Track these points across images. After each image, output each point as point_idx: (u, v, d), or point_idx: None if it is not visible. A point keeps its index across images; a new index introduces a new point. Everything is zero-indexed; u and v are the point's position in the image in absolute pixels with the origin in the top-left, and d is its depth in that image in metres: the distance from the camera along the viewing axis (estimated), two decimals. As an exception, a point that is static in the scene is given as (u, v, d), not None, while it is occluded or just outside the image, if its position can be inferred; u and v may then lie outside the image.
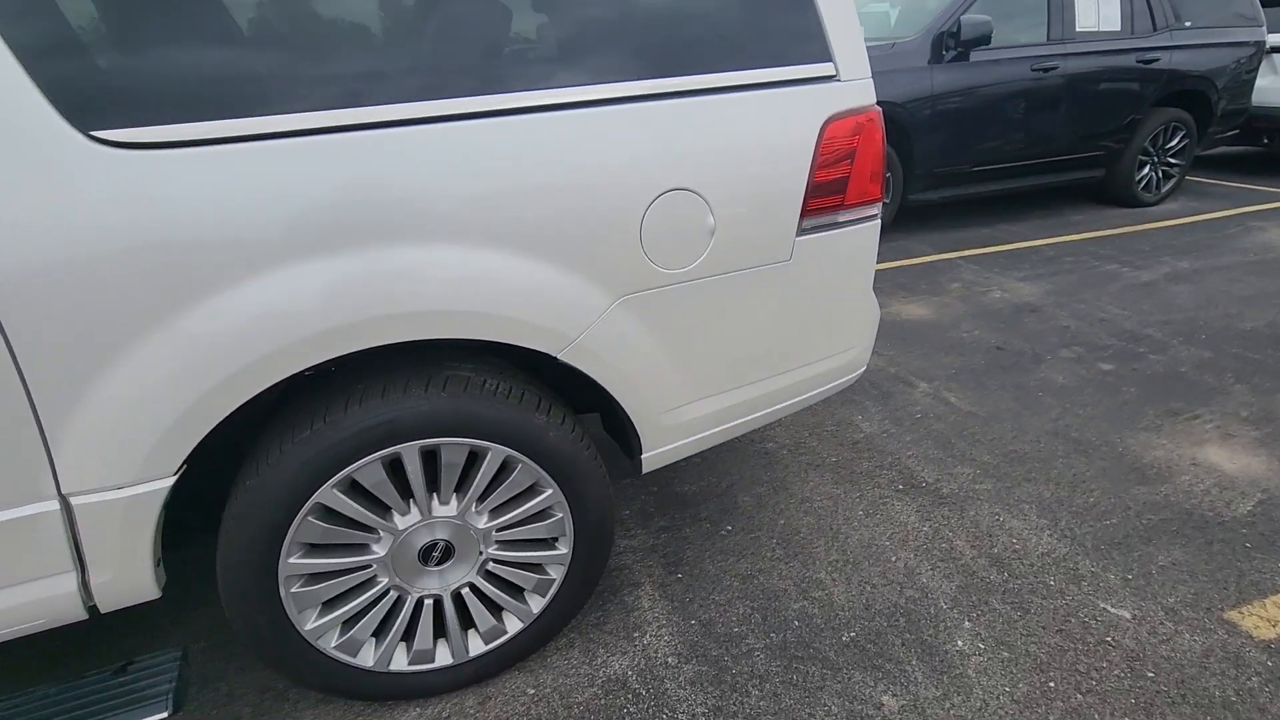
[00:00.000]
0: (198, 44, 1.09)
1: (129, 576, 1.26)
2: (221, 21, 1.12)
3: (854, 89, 1.61)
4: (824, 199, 1.61)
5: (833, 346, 1.83)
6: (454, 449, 1.41)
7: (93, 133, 1.05)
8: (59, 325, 1.05)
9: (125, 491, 1.19)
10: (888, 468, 2.47)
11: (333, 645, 1.50)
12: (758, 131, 1.50)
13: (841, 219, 1.67)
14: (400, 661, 1.59)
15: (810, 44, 1.54)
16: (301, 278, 1.18)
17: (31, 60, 1.01)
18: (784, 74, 1.52)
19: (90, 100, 1.04)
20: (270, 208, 1.13)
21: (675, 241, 1.46)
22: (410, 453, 1.38)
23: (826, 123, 1.57)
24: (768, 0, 1.50)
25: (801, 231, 1.62)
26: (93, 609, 1.27)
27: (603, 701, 1.65)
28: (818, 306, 1.74)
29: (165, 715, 1.30)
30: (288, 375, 1.21)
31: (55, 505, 1.17)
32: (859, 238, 1.72)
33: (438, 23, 1.23)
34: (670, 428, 1.65)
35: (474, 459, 1.45)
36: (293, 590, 1.40)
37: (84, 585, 1.24)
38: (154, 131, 1.08)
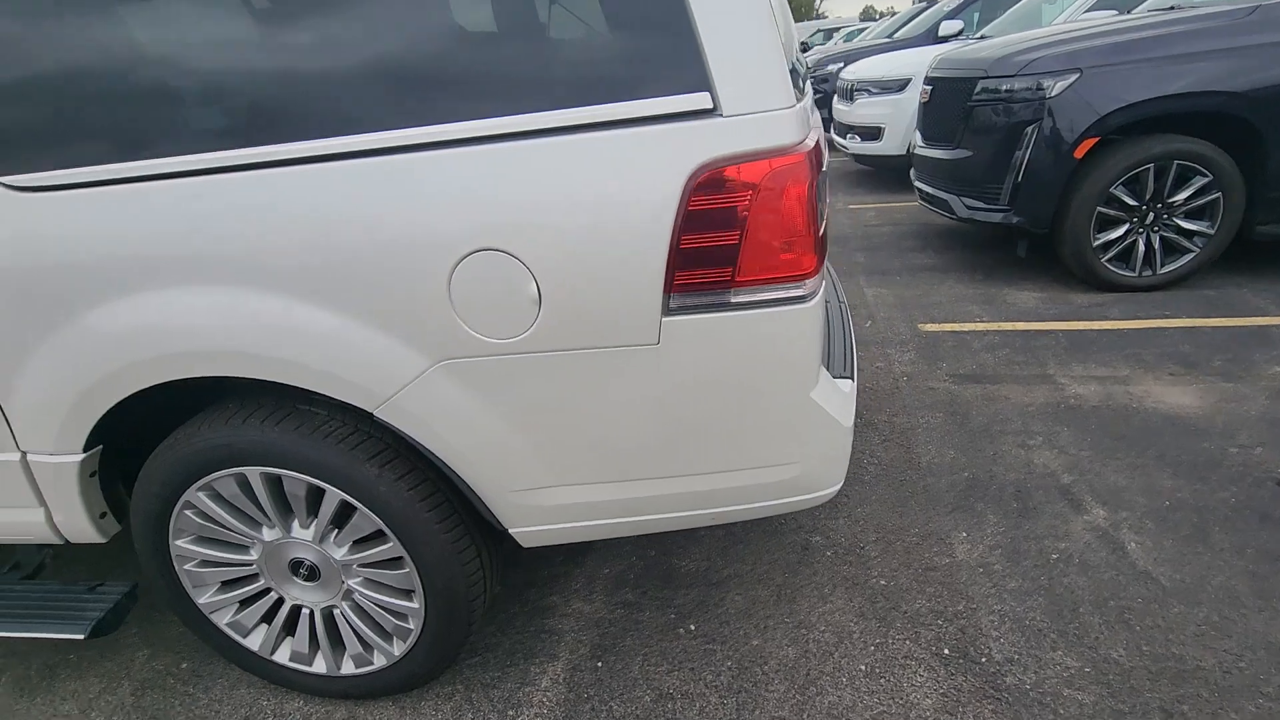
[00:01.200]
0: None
1: (76, 521, 1.59)
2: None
3: (748, 127, 1.15)
4: (699, 272, 1.22)
5: (759, 457, 1.40)
6: (293, 481, 1.47)
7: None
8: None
9: (52, 458, 1.50)
10: (948, 619, 1.82)
11: (224, 622, 1.70)
12: (594, 183, 1.18)
13: (735, 300, 1.25)
14: (283, 655, 1.73)
15: (677, 69, 1.13)
16: (117, 312, 1.33)
17: None
18: (633, 110, 1.16)
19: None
20: (93, 246, 1.29)
21: (493, 308, 1.26)
22: (253, 475, 1.47)
23: (696, 173, 1.16)
24: (612, 16, 1.14)
25: (670, 311, 1.25)
26: (65, 538, 1.63)
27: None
28: (718, 406, 1.34)
29: (80, 637, 1.62)
30: (132, 391, 1.38)
31: (17, 457, 1.53)
32: (774, 325, 1.26)
33: (233, 72, 1.24)
34: (534, 509, 1.46)
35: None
36: (185, 568, 1.63)
37: (50, 519, 1.61)
38: None
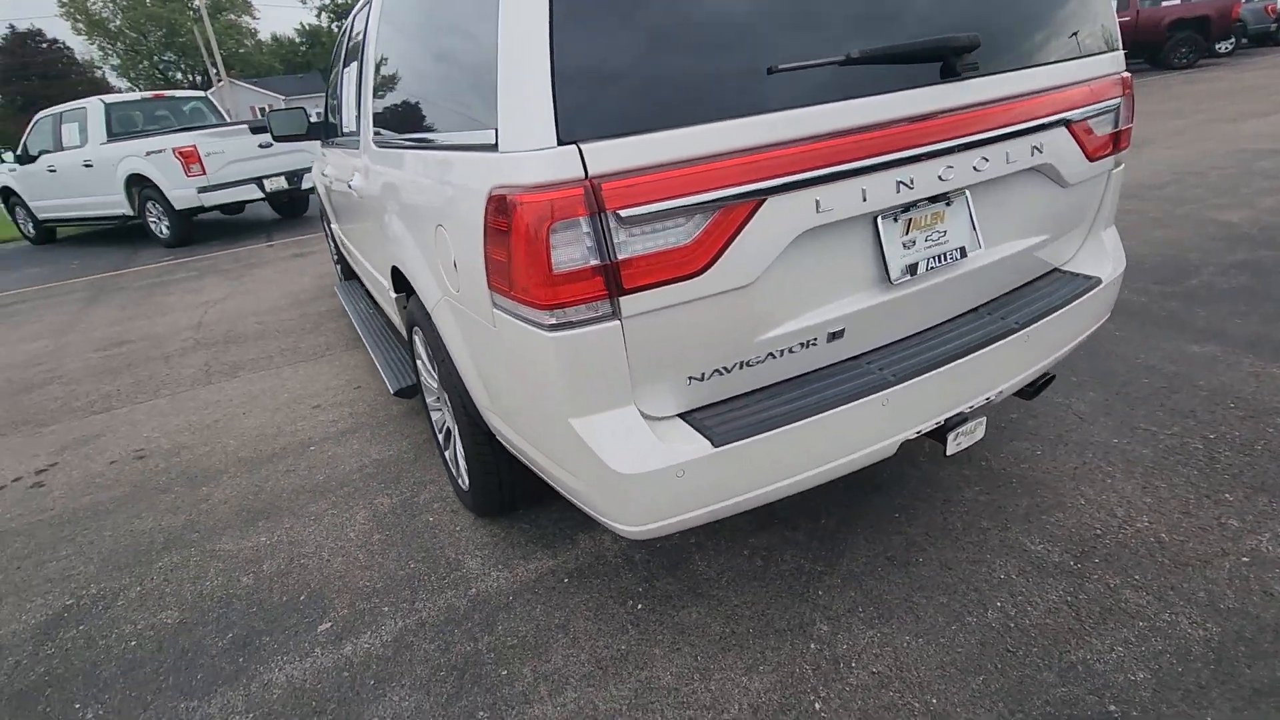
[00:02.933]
0: None
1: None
2: None
3: (515, 163, 1.22)
4: (495, 279, 1.34)
5: (554, 452, 1.47)
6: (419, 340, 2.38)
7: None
8: None
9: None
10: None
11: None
12: (468, 194, 1.41)
13: (511, 311, 1.34)
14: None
15: (487, 110, 1.30)
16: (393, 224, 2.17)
17: None
18: (465, 138, 1.45)
19: None
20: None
21: (445, 269, 1.68)
22: (415, 332, 2.37)
23: (489, 195, 1.28)
24: (465, 70, 1.46)
25: (495, 305, 1.40)
26: None
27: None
28: (526, 392, 1.44)
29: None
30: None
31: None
32: (526, 344, 1.33)
33: None
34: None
35: None
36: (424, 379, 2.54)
37: None
38: None
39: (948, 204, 1.60)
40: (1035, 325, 1.72)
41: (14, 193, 10.12)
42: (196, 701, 1.81)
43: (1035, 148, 1.65)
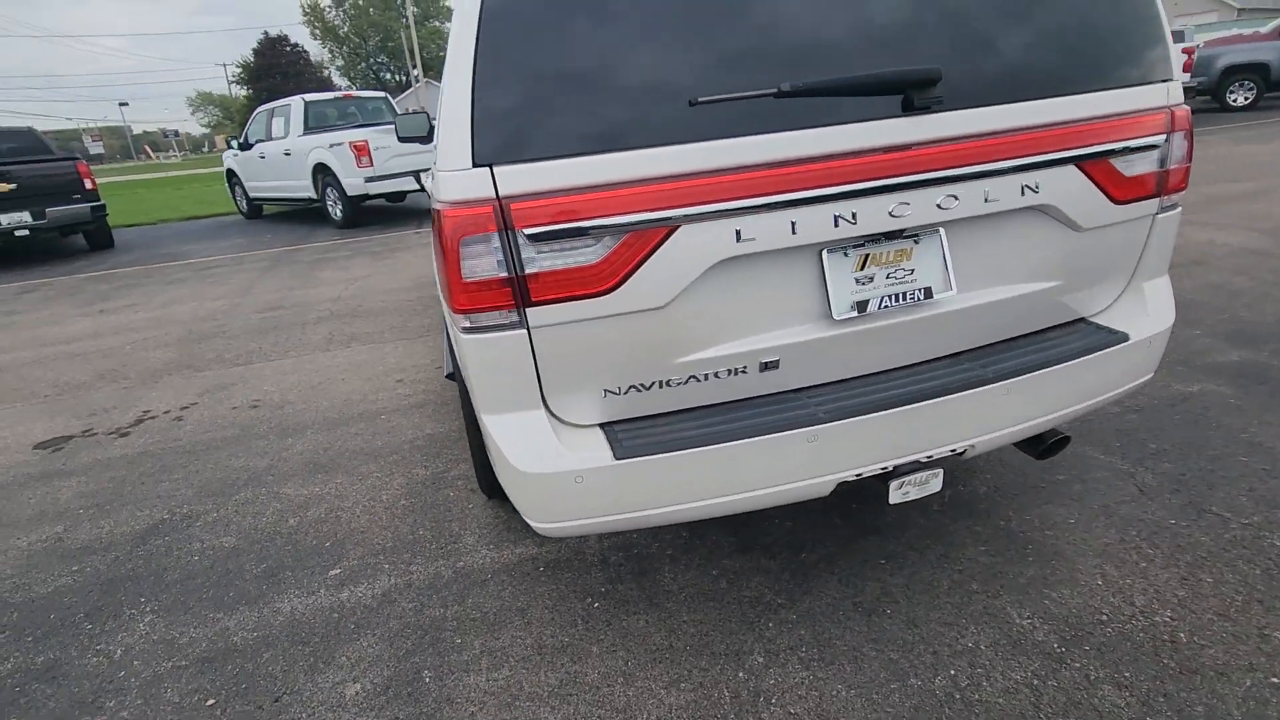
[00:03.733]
0: None
1: None
2: None
3: (443, 181, 1.40)
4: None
5: (489, 449, 1.62)
6: None
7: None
8: None
9: None
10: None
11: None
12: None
13: (449, 312, 1.59)
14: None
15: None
16: None
17: None
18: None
19: None
20: None
21: None
22: None
23: (431, 211, 1.60)
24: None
25: None
26: None
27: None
28: (470, 392, 1.62)
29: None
30: None
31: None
32: (459, 344, 1.51)
33: None
34: None
35: None
36: None
37: None
38: None
39: (915, 241, 1.53)
40: (1020, 379, 1.58)
41: (235, 174, 12.05)
42: (222, 614, 2.15)
43: (1028, 187, 1.53)
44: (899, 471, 1.58)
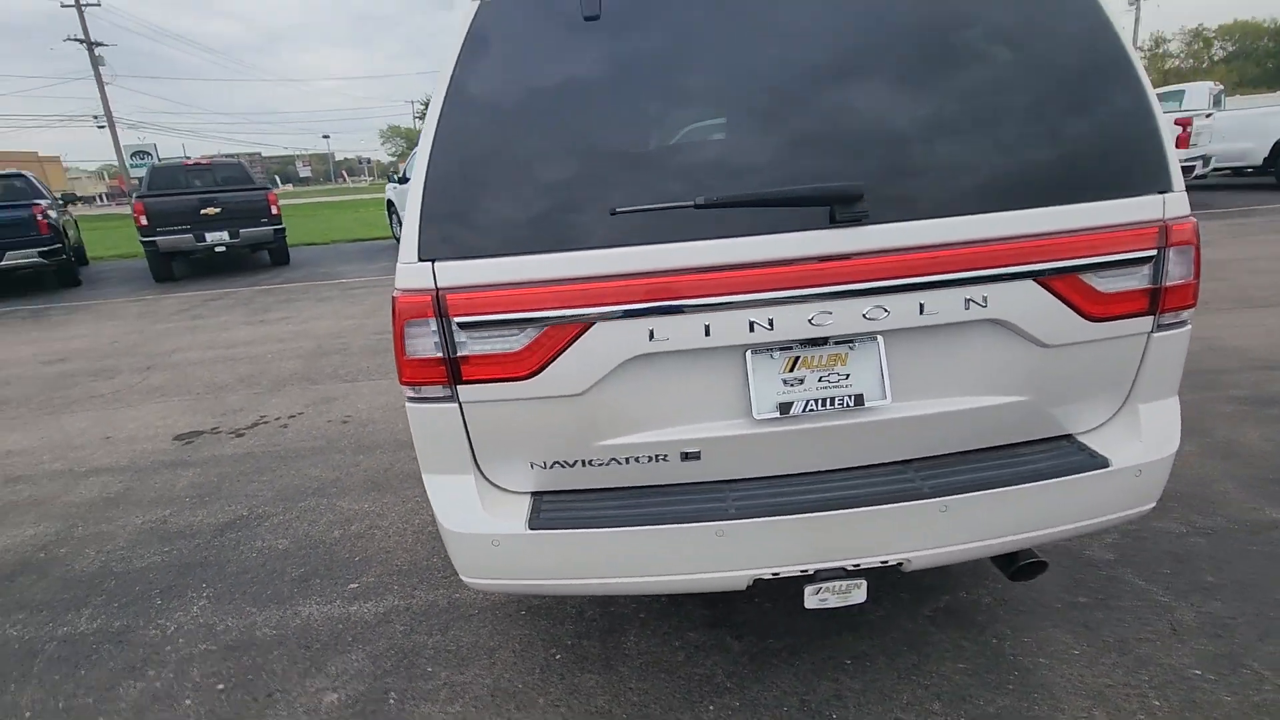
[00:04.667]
0: None
1: None
2: None
3: (398, 272, 1.54)
4: None
5: None
6: None
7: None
8: None
9: None
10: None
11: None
12: None
13: None
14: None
15: None
16: None
17: None
18: None
19: None
20: None
21: None
22: None
23: None
24: None
25: None
26: None
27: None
28: None
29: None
30: None
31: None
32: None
33: None
34: None
35: None
36: None
37: None
38: None
39: (850, 347, 1.53)
40: (961, 496, 1.52)
41: (393, 204, 13.57)
42: (255, 609, 2.49)
43: (973, 301, 1.48)
44: (820, 576, 1.56)
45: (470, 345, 1.48)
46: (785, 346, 1.51)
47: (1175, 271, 1.54)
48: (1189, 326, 1.63)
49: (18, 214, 9.50)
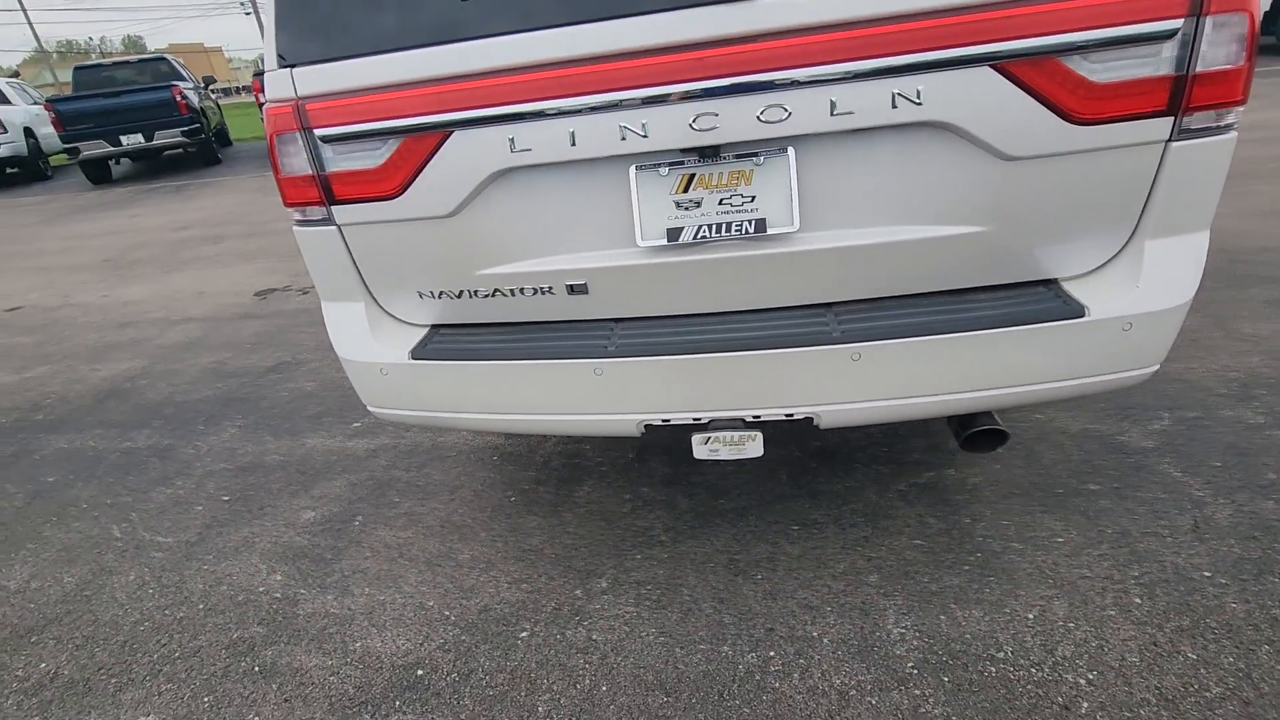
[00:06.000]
0: None
1: None
2: None
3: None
4: None
5: None
6: None
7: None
8: None
9: None
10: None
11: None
12: None
13: None
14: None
15: None
16: None
17: None
18: None
19: None
20: None
21: None
22: None
23: None
24: None
25: None
26: None
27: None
28: None
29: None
30: None
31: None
32: None
33: None
34: None
35: None
36: None
37: None
38: None
39: (756, 162, 1.29)
40: (876, 343, 1.29)
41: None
42: (271, 439, 2.72)
43: (902, 95, 1.17)
44: (714, 426, 1.42)
45: (336, 161, 1.38)
46: (675, 161, 1.29)
47: (1214, 54, 1.12)
48: (1234, 133, 1.21)
49: (160, 95, 10.23)
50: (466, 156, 1.31)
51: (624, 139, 1.24)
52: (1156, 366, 1.34)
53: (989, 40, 1.12)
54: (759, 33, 1.16)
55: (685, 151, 1.27)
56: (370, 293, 1.55)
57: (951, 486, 1.95)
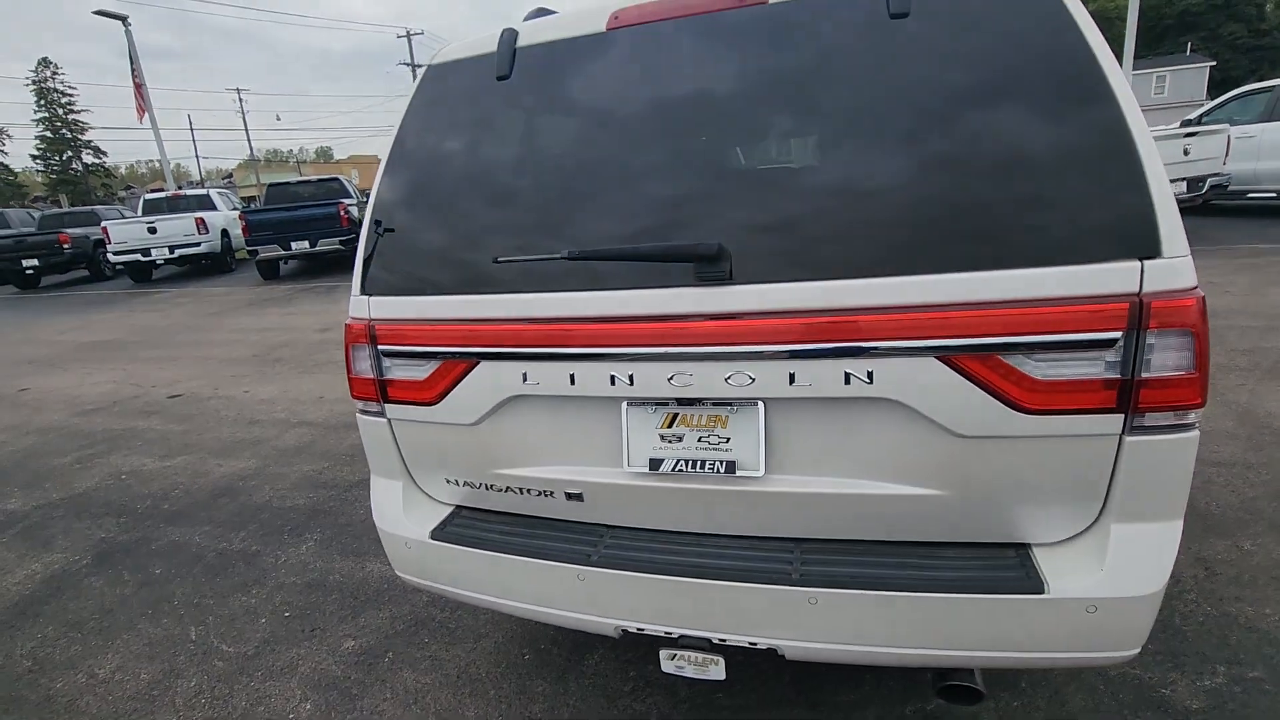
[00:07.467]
0: None
1: None
2: None
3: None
4: None
5: None
6: None
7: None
8: None
9: None
10: None
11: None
12: None
13: None
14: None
15: None
16: None
17: None
18: None
19: None
20: None
21: None
22: None
23: None
24: None
25: None
26: None
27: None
28: None
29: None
30: None
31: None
32: None
33: None
34: None
35: None
36: None
37: None
38: None
39: (730, 410, 1.45)
40: (832, 591, 1.37)
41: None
42: (340, 558, 3.02)
43: (853, 375, 1.31)
44: (683, 642, 1.51)
45: (393, 370, 1.68)
46: (661, 402, 1.48)
47: (1160, 361, 1.19)
48: (1194, 432, 1.23)
49: (327, 210, 12.14)
50: (489, 381, 1.56)
51: (614, 384, 1.45)
52: (1136, 650, 1.30)
53: (933, 335, 1.24)
54: (729, 313, 1.35)
55: (668, 399, 1.45)
56: (409, 473, 1.81)
57: (963, 716, 1.87)
